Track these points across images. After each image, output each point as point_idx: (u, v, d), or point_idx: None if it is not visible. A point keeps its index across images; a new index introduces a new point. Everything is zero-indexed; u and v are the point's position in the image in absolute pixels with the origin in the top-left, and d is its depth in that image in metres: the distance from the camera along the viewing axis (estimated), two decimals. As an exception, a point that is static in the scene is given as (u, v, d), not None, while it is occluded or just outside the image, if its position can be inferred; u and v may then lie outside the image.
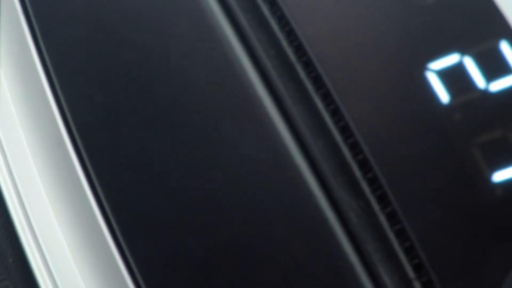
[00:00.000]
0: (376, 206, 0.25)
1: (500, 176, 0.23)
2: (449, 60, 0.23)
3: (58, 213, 0.30)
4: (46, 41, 0.29)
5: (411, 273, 0.24)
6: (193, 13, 0.25)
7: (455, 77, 0.23)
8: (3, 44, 0.29)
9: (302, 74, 0.26)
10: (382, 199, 0.25)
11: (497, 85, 0.23)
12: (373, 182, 0.25)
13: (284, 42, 0.26)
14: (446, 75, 0.23)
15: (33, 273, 0.30)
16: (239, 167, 0.24)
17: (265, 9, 0.27)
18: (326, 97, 0.25)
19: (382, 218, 0.25)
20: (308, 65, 0.25)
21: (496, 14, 0.23)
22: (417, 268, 0.24)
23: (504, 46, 0.23)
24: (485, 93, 0.23)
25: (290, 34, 0.26)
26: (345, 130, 0.25)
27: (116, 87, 0.27)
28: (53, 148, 0.30)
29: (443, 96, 0.23)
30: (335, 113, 0.25)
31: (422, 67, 0.23)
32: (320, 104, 0.25)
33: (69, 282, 0.29)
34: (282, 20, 0.26)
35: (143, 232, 0.27)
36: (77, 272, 0.29)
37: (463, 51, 0.23)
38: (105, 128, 0.28)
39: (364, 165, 0.25)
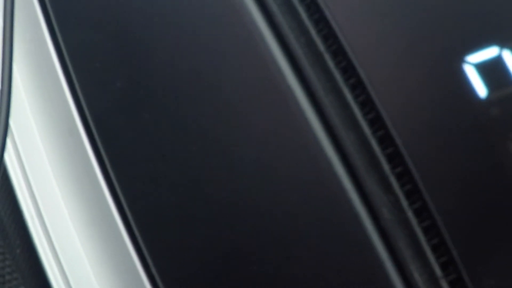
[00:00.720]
0: (404, 202, 0.24)
1: (538, 173, 0.22)
2: (488, 53, 0.23)
3: (68, 203, 0.29)
4: (60, 26, 0.28)
5: (438, 271, 0.24)
6: (222, 1, 0.24)
7: (493, 71, 0.22)
8: (15, 30, 0.28)
9: (330, 63, 0.25)
10: (411, 194, 0.24)
11: (537, 80, 0.22)
12: (402, 177, 0.24)
13: (313, 31, 0.25)
14: (485, 69, 0.23)
15: (42, 265, 0.29)
16: (268, 160, 0.24)
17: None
18: (356, 88, 0.25)
19: (410, 214, 0.24)
20: (341, 54, 0.25)
21: (538, 6, 0.22)
22: (444, 266, 0.24)
23: (545, 39, 0.22)
24: (524, 88, 0.22)
25: (319, 22, 0.25)
26: (374, 123, 0.24)
27: (135, 73, 0.26)
28: (65, 137, 0.29)
29: (481, 90, 0.23)
30: (365, 105, 0.24)
31: (460, 60, 0.23)
32: (349, 96, 0.25)
33: (79, 274, 0.28)
34: (311, 8, 0.25)
35: (160, 226, 0.26)
36: (87, 263, 0.28)
37: (503, 44, 0.22)
38: (122, 117, 0.27)
39: (393, 159, 0.24)
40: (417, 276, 0.23)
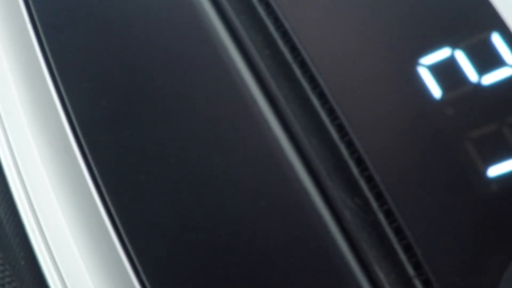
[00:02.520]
0: (374, 204, 0.25)
1: (495, 170, 0.22)
2: (441, 54, 0.23)
3: (67, 216, 0.31)
4: (51, 49, 0.30)
5: (411, 270, 0.24)
6: (188, 16, 0.26)
7: (447, 72, 0.23)
8: (11, 55, 0.30)
9: (298, 73, 0.26)
10: (380, 197, 0.25)
11: (490, 78, 0.22)
12: (371, 180, 0.25)
13: (280, 42, 0.26)
14: (438, 70, 0.23)
15: (43, 276, 0.30)
16: (234, 166, 0.25)
17: (261, 10, 0.27)
18: (322, 96, 0.25)
19: (381, 216, 0.25)
20: (303, 64, 0.26)
21: (486, 5, 0.22)
22: (418, 265, 0.24)
23: (495, 38, 0.22)
24: (478, 87, 0.23)
25: (286, 34, 0.26)
26: (341, 128, 0.25)
27: (115, 92, 0.28)
28: (62, 154, 0.31)
29: (436, 91, 0.23)
30: (332, 112, 0.25)
31: (414, 63, 0.23)
32: (316, 102, 0.25)
33: (77, 282, 0.30)
34: (278, 20, 0.26)
35: (146, 232, 0.28)
36: (86, 273, 0.30)
37: (454, 45, 0.23)
38: (108, 132, 0.28)
39: (361, 162, 0.25)
40: (383, 276, 0.24)
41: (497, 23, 0.22)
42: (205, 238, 0.25)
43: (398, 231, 0.24)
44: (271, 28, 0.26)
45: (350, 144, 0.25)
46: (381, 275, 0.24)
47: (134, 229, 0.28)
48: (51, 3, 0.31)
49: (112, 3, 0.29)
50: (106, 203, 0.29)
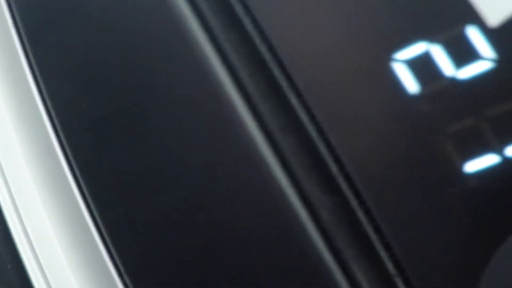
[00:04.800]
0: (353, 202, 0.24)
1: (472, 166, 0.22)
2: (416, 49, 0.23)
3: (52, 219, 0.31)
4: (34, 52, 0.30)
5: (391, 269, 0.24)
6: (164, 15, 0.26)
7: (422, 67, 0.22)
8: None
9: (275, 71, 0.26)
10: (359, 195, 0.24)
11: (466, 72, 0.22)
12: (349, 178, 0.24)
13: (257, 41, 0.26)
14: (414, 65, 0.23)
15: (29, 279, 0.30)
16: (211, 166, 0.24)
17: (239, 9, 0.27)
18: (299, 94, 0.25)
19: (360, 214, 0.24)
20: (280, 63, 0.25)
21: (461, -1, 0.22)
22: (398, 264, 0.24)
23: (471, 31, 0.22)
24: (454, 81, 0.22)
25: (262, 33, 0.26)
26: (319, 126, 0.25)
27: (97, 96, 0.28)
28: (45, 156, 0.31)
29: (411, 86, 0.23)
30: (309, 109, 0.25)
31: (389, 58, 0.23)
32: (294, 101, 0.25)
33: (63, 285, 0.30)
34: (255, 19, 0.26)
35: (128, 233, 0.28)
36: (71, 274, 0.30)
37: (430, 39, 0.22)
38: (89, 134, 0.28)
39: (339, 160, 0.24)
40: (361, 274, 0.23)
41: (472, 16, 0.22)
42: (184, 238, 0.25)
43: (377, 230, 0.24)
44: (248, 26, 0.26)
45: (327, 142, 0.25)
46: (359, 274, 0.23)
47: (117, 230, 0.28)
48: (34, 8, 0.31)
49: (92, 7, 0.29)
50: (89, 205, 0.29)
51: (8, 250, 0.31)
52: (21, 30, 0.30)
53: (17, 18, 0.31)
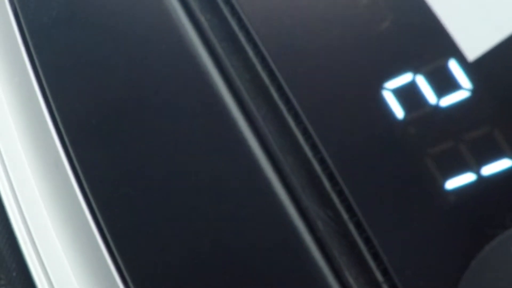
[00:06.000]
0: (345, 215, 0.27)
1: (452, 183, 0.25)
2: (403, 79, 0.25)
3: (57, 228, 0.32)
4: (43, 68, 0.32)
5: (379, 276, 0.26)
6: (174, 43, 0.28)
7: (408, 95, 0.25)
8: (4, 75, 0.32)
9: (275, 95, 0.28)
10: (350, 209, 0.27)
11: (447, 101, 0.25)
12: (342, 193, 0.27)
13: (259, 67, 0.28)
14: (401, 93, 0.25)
15: (35, 286, 0.32)
16: (216, 182, 0.27)
17: (241, 37, 0.29)
18: (297, 117, 0.28)
19: (351, 226, 0.27)
20: (280, 87, 0.28)
21: (444, 35, 0.25)
22: (385, 271, 0.26)
23: (452, 64, 0.25)
24: (436, 108, 0.25)
25: (264, 59, 0.28)
26: (315, 146, 0.27)
27: (104, 111, 0.30)
28: (53, 168, 0.33)
29: (399, 112, 0.25)
30: (306, 131, 0.27)
31: (379, 87, 0.26)
32: (292, 123, 0.28)
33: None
34: (257, 47, 0.29)
35: (134, 243, 0.30)
36: (76, 283, 0.32)
37: (416, 70, 0.25)
38: (96, 148, 0.30)
39: (333, 178, 0.27)
40: (352, 281, 0.26)
41: (454, 50, 0.25)
42: (188, 249, 0.27)
43: (367, 241, 0.26)
44: (251, 53, 0.29)
45: (322, 161, 0.27)
46: (351, 280, 0.26)
47: (122, 240, 0.30)
48: (40, 18, 0.33)
49: (99, 21, 0.31)
50: (95, 215, 0.31)
51: (13, 258, 0.33)
52: (30, 44, 0.32)
53: (26, 31, 0.32)
